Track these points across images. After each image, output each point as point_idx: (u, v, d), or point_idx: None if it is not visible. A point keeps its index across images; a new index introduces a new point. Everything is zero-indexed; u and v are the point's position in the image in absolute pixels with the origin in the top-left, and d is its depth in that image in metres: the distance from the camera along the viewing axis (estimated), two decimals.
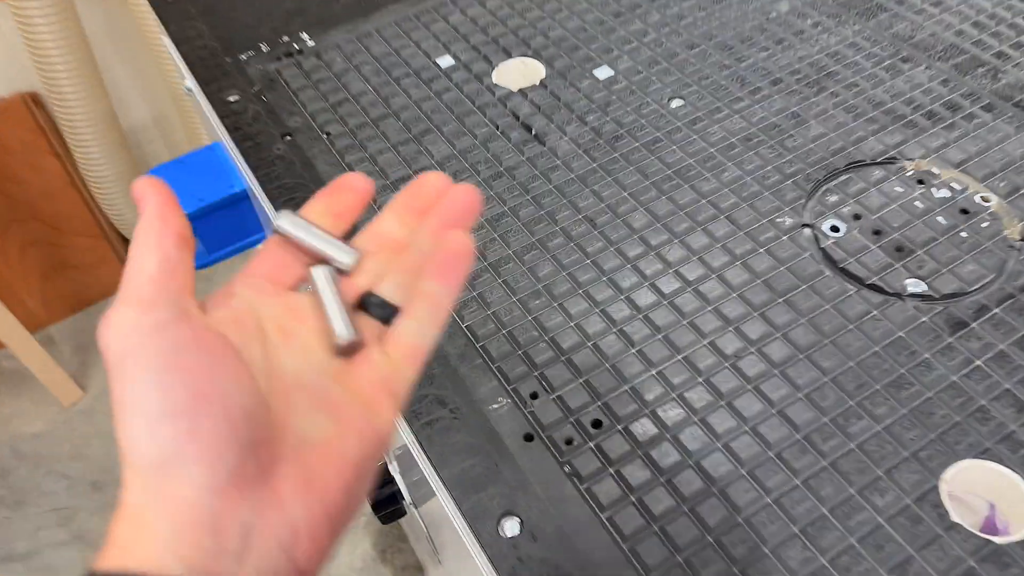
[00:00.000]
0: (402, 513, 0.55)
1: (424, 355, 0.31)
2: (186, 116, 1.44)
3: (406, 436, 0.49)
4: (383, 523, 0.56)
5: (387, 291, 0.32)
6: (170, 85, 1.39)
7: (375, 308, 0.32)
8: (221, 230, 0.80)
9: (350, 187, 0.33)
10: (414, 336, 0.31)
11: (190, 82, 0.76)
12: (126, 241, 1.57)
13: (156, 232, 0.27)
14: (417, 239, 0.33)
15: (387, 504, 0.54)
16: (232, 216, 0.79)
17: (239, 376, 0.26)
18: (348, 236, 0.33)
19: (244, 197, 0.78)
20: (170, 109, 1.51)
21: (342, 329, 0.30)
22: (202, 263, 0.82)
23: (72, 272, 1.47)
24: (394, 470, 0.54)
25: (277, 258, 0.32)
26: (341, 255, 0.32)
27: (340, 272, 0.32)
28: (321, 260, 0.32)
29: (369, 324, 0.31)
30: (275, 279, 0.31)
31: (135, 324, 0.25)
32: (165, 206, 0.28)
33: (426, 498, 0.50)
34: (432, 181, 0.34)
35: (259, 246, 0.33)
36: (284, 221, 0.31)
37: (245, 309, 0.29)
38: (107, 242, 1.47)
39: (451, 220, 0.33)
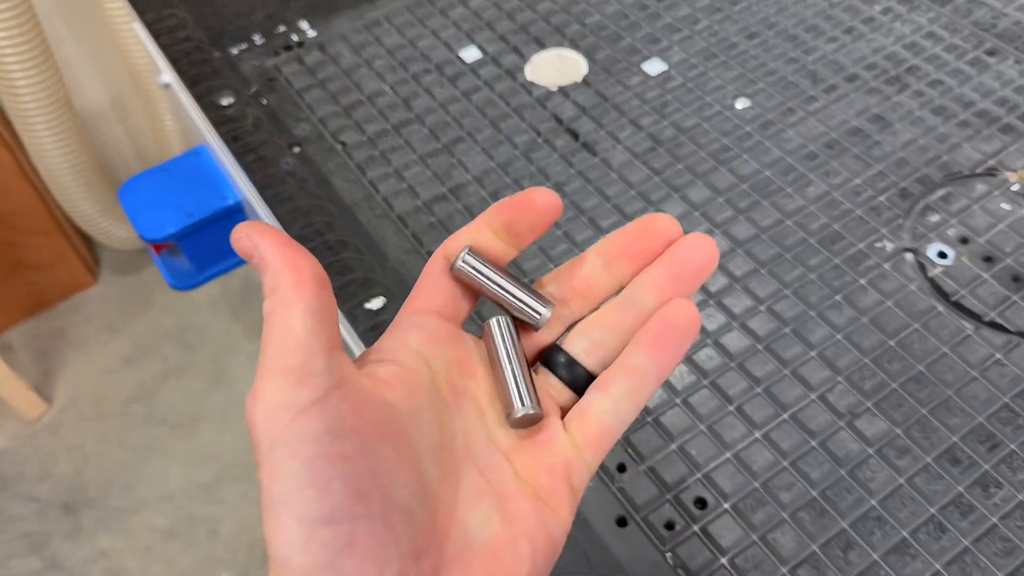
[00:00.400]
0: None
1: (613, 442, 0.26)
2: (147, 98, 1.31)
3: None
4: None
5: (579, 349, 0.27)
6: (128, 63, 1.26)
7: (561, 368, 0.27)
8: (212, 247, 0.70)
9: (537, 205, 0.26)
10: (606, 415, 0.26)
11: (169, 78, 0.66)
12: (85, 237, 1.45)
13: (290, 282, 0.23)
14: (635, 293, 0.27)
15: None
16: (224, 231, 0.69)
17: (402, 464, 0.22)
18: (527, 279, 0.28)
19: (237, 210, 0.68)
20: (129, 90, 1.38)
21: (518, 400, 0.25)
22: (190, 284, 0.73)
23: (28, 273, 1.34)
24: None
25: (448, 290, 0.27)
26: (531, 309, 0.27)
27: (524, 324, 0.27)
28: (504, 309, 0.27)
29: (551, 385, 0.27)
30: (447, 315, 0.27)
31: (287, 401, 0.21)
32: (288, 250, 0.23)
33: None
34: (663, 224, 0.27)
35: (426, 270, 0.28)
36: (466, 264, 0.26)
37: (415, 364, 0.25)
38: (65, 239, 1.35)
39: (681, 275, 0.26)
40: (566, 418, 0.26)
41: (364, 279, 0.51)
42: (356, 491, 0.21)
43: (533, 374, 0.27)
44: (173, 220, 0.67)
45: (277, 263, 0.23)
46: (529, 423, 0.26)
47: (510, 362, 0.26)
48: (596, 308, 0.27)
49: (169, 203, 0.67)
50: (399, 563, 0.21)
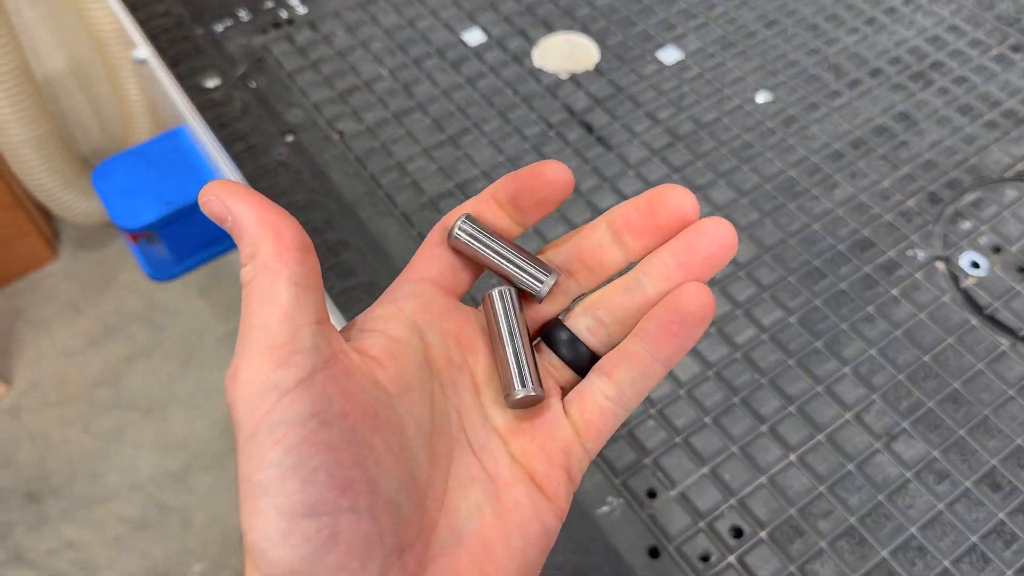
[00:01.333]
0: None
1: (614, 430, 0.25)
2: (111, 66, 1.24)
3: None
4: None
5: (582, 327, 0.25)
6: (91, 29, 1.19)
7: (563, 347, 0.25)
8: (192, 236, 0.66)
9: (547, 178, 0.24)
10: (608, 402, 0.24)
11: (145, 55, 0.61)
12: (45, 212, 1.38)
13: (271, 249, 0.21)
14: (641, 276, 0.24)
15: None
16: (205, 220, 0.65)
17: (390, 452, 0.21)
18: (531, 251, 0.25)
19: None
20: (90, 55, 1.31)
21: (518, 380, 0.24)
22: (168, 274, 0.68)
23: None
24: None
25: (446, 259, 0.25)
26: (531, 278, 0.25)
27: (526, 296, 0.25)
28: (504, 279, 0.25)
29: (552, 364, 0.25)
30: (444, 285, 0.25)
31: (271, 381, 0.20)
32: (266, 212, 0.21)
33: None
34: (677, 199, 0.24)
35: (424, 241, 0.26)
36: (462, 232, 0.24)
37: (407, 336, 0.24)
38: (25, 213, 1.28)
39: (693, 263, 0.24)
40: (566, 400, 0.25)
41: (368, 283, 0.47)
42: (341, 483, 0.20)
43: (535, 351, 0.26)
44: (151, 208, 0.62)
45: (254, 227, 0.21)
46: (528, 404, 0.24)
47: (511, 337, 0.24)
48: (606, 282, 0.26)
49: (147, 189, 0.63)
50: (383, 559, 0.20)
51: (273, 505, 0.19)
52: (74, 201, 1.28)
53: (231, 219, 0.21)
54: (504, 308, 0.25)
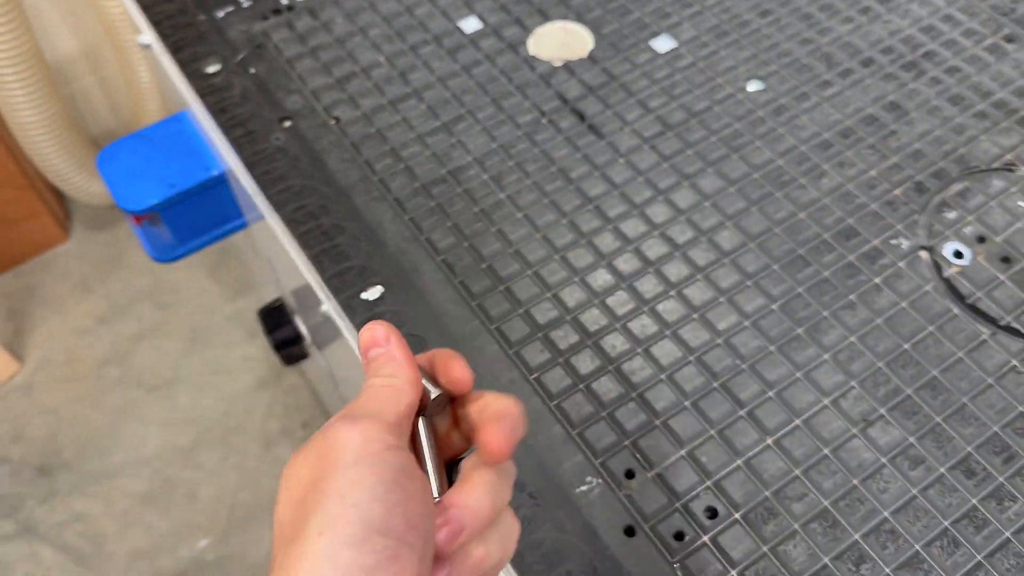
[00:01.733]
0: None
1: None
2: (121, 49, 1.26)
3: None
4: None
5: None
6: (101, 13, 1.20)
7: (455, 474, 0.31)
8: (194, 219, 0.67)
9: (452, 375, 0.31)
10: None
11: (149, 39, 0.62)
12: (56, 192, 1.40)
13: (408, 379, 0.30)
14: None
15: None
16: (207, 203, 0.66)
17: (431, 514, 0.27)
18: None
19: (221, 181, 0.65)
20: (101, 39, 1.32)
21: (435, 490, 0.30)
22: (171, 256, 0.70)
23: None
24: None
25: None
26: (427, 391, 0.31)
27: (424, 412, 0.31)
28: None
29: None
30: None
31: (381, 437, 0.27)
32: (412, 361, 0.30)
33: None
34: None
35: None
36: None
37: None
38: (36, 194, 1.30)
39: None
40: None
41: (361, 267, 0.48)
42: (409, 522, 0.25)
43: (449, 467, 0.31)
44: (154, 191, 0.63)
45: (404, 364, 0.30)
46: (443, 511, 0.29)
47: (428, 452, 0.30)
48: None
49: (150, 173, 0.64)
50: None
51: (358, 517, 0.24)
52: (85, 182, 1.30)
53: (388, 351, 0.30)
54: (422, 430, 0.30)
